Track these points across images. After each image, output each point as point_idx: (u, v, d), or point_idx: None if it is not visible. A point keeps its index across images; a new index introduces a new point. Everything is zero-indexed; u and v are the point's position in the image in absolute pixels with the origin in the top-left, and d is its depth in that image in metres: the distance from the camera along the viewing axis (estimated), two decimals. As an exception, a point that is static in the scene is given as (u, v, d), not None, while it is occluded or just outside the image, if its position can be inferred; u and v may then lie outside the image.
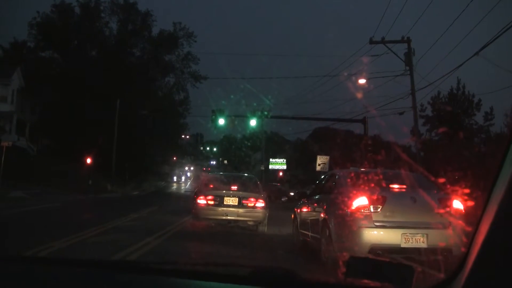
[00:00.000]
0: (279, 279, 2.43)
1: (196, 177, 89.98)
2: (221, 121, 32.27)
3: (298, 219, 12.76)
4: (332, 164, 29.79)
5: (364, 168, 22.98)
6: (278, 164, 67.76)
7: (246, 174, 23.35)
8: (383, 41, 27.49)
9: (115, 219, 16.88)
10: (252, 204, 14.92)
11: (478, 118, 31.38)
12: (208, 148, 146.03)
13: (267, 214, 15.06)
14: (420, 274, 7.28)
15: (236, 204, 14.86)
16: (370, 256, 7.86)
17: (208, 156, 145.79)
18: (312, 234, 10.92)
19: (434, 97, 31.97)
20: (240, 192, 15.20)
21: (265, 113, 33.92)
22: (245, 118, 34.88)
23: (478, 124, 31.19)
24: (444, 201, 8.85)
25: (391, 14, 30.53)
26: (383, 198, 8.73)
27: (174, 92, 63.55)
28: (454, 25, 21.27)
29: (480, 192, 2.15)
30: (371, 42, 27.73)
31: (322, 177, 12.93)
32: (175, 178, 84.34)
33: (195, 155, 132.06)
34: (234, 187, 15.63)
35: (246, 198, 14.97)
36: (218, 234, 14.11)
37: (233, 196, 14.98)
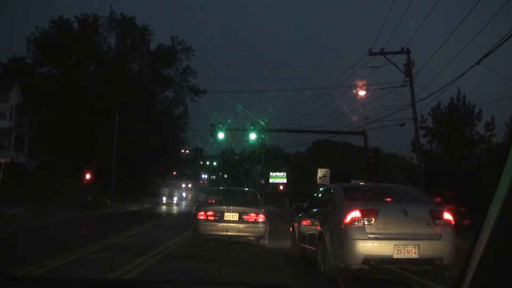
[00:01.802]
0: None
1: (194, 196, 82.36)
2: (221, 135, 32.27)
3: (296, 232, 13.09)
4: (334, 176, 29.69)
5: (364, 181, 23.47)
6: (278, 177, 67.56)
7: (246, 189, 23.30)
8: (382, 53, 27.31)
9: (113, 236, 16.64)
10: (253, 219, 14.58)
11: (479, 128, 31.42)
12: (208, 163, 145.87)
13: (268, 229, 14.72)
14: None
15: (237, 219, 14.49)
16: (368, 271, 8.77)
17: (208, 170, 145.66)
18: (309, 247, 11.22)
19: (435, 108, 31.81)
20: (241, 207, 14.86)
21: (263, 123, 33.81)
22: (244, 132, 34.70)
23: (480, 135, 31.10)
24: (434, 214, 9.23)
25: (390, 26, 30.49)
26: (375, 211, 9.09)
27: (173, 106, 63.34)
28: (453, 36, 21.15)
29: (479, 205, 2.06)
30: (370, 53, 27.55)
31: (319, 190, 13.05)
32: (164, 199, 60.29)
33: (195, 170, 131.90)
34: (235, 202, 15.44)
35: (247, 213, 14.61)
36: (218, 251, 13.91)
37: (233, 212, 14.58)
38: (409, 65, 26.71)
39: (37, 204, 31.29)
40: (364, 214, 9.04)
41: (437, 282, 8.87)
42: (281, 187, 65.71)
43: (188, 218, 20.17)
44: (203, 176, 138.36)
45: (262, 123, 33.62)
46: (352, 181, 39.89)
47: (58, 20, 54.09)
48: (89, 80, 50.44)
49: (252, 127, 33.06)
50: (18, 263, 9.49)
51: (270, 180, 67.11)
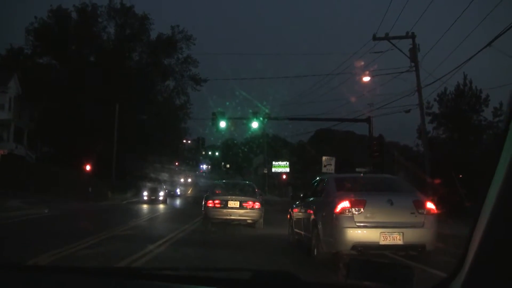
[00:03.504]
0: (280, 282, 2.54)
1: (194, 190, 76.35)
2: (222, 124, 31.83)
3: (293, 220, 14.25)
4: (337, 165, 29.15)
5: (368, 169, 23.73)
6: (281, 167, 67.00)
7: (246, 182, 27.36)
8: (387, 37, 26.70)
9: (115, 226, 17.24)
10: (251, 206, 18.60)
11: (487, 114, 30.72)
12: (210, 153, 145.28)
13: (263, 214, 18.95)
14: (421, 273, 8.51)
15: (238, 206, 18.57)
16: (368, 255, 9.62)
17: (211, 160, 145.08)
18: (304, 233, 12.22)
19: (441, 94, 31.15)
20: (241, 197, 18.96)
21: (266, 111, 33.37)
22: (246, 121, 34.19)
23: (487, 120, 30.48)
24: (418, 203, 10.00)
25: (394, 10, 29.84)
26: (363, 201, 9.89)
27: (174, 96, 62.78)
28: (460, 19, 20.49)
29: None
30: (375, 38, 26.95)
31: (314, 181, 13.88)
32: (145, 195, 42.74)
33: (197, 160, 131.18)
34: (236, 193, 19.51)
35: (246, 202, 18.65)
36: (219, 240, 15.17)
37: (235, 200, 18.65)
38: (414, 50, 26.12)
39: (36, 196, 30.86)
40: (353, 204, 9.80)
41: (437, 268, 8.87)
42: (284, 176, 65.12)
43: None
44: (202, 166, 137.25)
45: (266, 110, 33.04)
46: (357, 169, 39.45)
47: (56, 10, 53.56)
48: (89, 70, 49.89)
49: (254, 115, 32.62)
50: (16, 258, 9.06)
51: (273, 170, 66.56)
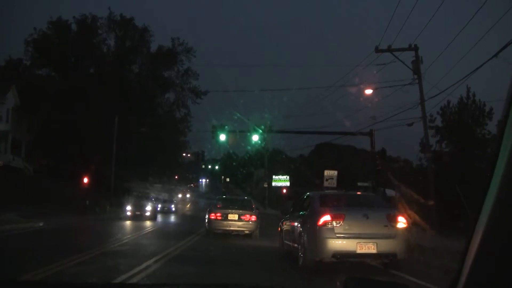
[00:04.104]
0: None
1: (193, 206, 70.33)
2: (222, 137, 31.63)
3: (283, 232, 15.61)
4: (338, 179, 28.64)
5: (370, 183, 24.39)
6: (281, 181, 66.57)
7: (245, 197, 31.47)
8: (389, 50, 26.25)
9: (113, 241, 17.31)
10: (248, 219, 20.81)
11: (491, 127, 30.15)
12: (210, 166, 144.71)
13: (259, 226, 21.20)
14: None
15: (237, 219, 20.81)
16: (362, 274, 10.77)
17: (211, 174, 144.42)
18: (292, 244, 13.56)
19: (444, 107, 30.66)
20: (239, 211, 21.28)
21: (268, 124, 33.11)
22: (247, 134, 33.84)
23: (491, 134, 29.89)
24: (390, 217, 11.52)
25: (397, 22, 29.47)
26: (343, 215, 11.34)
27: (175, 109, 62.37)
28: (464, 31, 20.11)
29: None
30: (377, 50, 26.49)
31: (301, 197, 15.28)
32: (128, 210, 36.50)
33: (197, 174, 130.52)
34: (235, 207, 21.85)
35: (243, 215, 20.92)
36: (216, 256, 14.99)
37: (234, 214, 20.96)
38: (417, 62, 25.61)
39: (33, 209, 30.30)
40: (334, 217, 11.26)
41: (432, 283, 9.68)
42: (285, 190, 64.54)
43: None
44: (201, 180, 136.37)
45: (268, 122, 32.85)
46: (359, 184, 39.10)
47: (56, 21, 53.29)
48: (88, 83, 49.49)
49: (254, 128, 32.30)
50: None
51: (273, 184, 66.09)
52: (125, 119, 46.48)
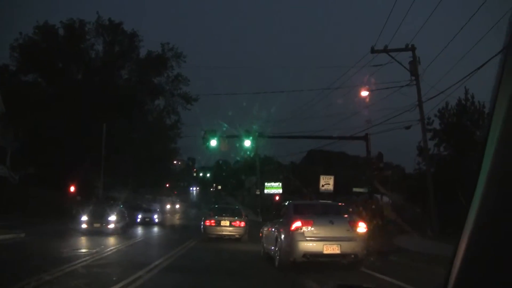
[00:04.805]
0: None
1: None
2: (213, 143, 31.01)
3: (263, 237, 17.84)
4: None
5: (366, 189, 28.65)
6: (273, 188, 65.77)
7: (236, 206, 32.64)
8: (385, 50, 25.48)
9: (100, 250, 17.80)
10: (238, 225, 24.33)
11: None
12: (201, 174, 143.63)
13: (247, 231, 24.65)
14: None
15: (228, 225, 24.24)
16: (308, 263, 13.34)
17: (202, 182, 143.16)
18: (270, 247, 15.70)
19: (442, 109, 29.79)
20: (231, 217, 24.67)
21: (259, 130, 32.45)
22: (238, 139, 33.04)
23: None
24: (352, 223, 13.75)
25: (393, 22, 28.72)
26: (311, 221, 13.45)
27: (165, 115, 61.23)
28: (463, 30, 19.25)
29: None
30: (373, 51, 25.71)
31: (280, 205, 18.33)
32: (83, 221, 27.45)
33: (188, 182, 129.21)
34: (227, 215, 25.11)
35: (234, 221, 24.40)
36: (208, 265, 15.53)
37: (226, 220, 24.41)
38: (414, 63, 24.87)
39: (18, 219, 29.28)
40: (304, 223, 13.37)
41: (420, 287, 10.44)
42: (277, 198, 63.57)
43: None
44: (192, 188, 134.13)
45: (259, 126, 32.39)
46: (354, 189, 38.31)
47: (42, 26, 51.78)
48: (76, 89, 48.32)
49: (246, 134, 31.59)
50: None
51: (265, 191, 65.17)
52: (114, 126, 45.38)
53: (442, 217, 22.56)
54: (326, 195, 28.74)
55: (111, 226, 27.52)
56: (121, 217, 29.68)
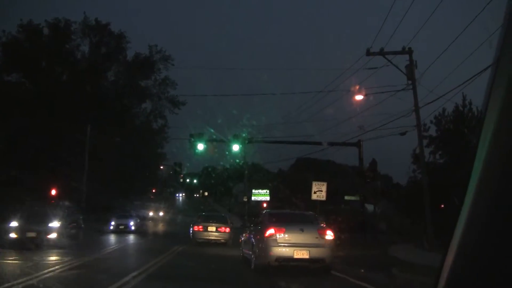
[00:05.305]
0: None
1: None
2: (200, 147, 30.41)
3: (242, 243, 19.38)
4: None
5: (358, 197, 30.58)
6: (261, 195, 65.11)
7: (221, 214, 37.08)
8: (381, 53, 24.52)
9: (89, 254, 17.87)
10: (223, 230, 26.57)
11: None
12: (188, 180, 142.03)
13: (232, 236, 26.45)
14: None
15: (214, 230, 26.54)
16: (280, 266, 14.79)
17: (189, 188, 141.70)
18: (248, 252, 17.14)
19: (438, 116, 28.89)
20: (217, 224, 26.96)
21: (245, 136, 31.78)
22: (226, 144, 32.17)
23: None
24: (321, 231, 15.08)
25: (390, 25, 27.89)
26: (283, 229, 14.71)
27: (152, 119, 59.96)
28: (463, 34, 18.48)
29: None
30: (368, 53, 24.76)
31: (259, 213, 20.20)
32: (12, 227, 20.46)
33: (174, 187, 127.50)
34: (214, 221, 27.38)
35: (220, 227, 26.63)
36: (198, 272, 15.90)
37: (213, 226, 26.67)
38: (411, 66, 23.92)
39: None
40: (277, 231, 14.62)
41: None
42: (265, 205, 62.58)
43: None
44: (178, 195, 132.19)
45: (249, 131, 31.83)
46: (345, 197, 37.40)
47: (27, 24, 50.20)
48: (61, 90, 47.05)
49: (234, 138, 30.73)
50: None
51: (253, 198, 64.30)
52: (99, 128, 44.13)
53: (434, 225, 21.73)
54: (319, 204, 27.82)
55: (52, 236, 20.79)
56: (69, 223, 23.55)
